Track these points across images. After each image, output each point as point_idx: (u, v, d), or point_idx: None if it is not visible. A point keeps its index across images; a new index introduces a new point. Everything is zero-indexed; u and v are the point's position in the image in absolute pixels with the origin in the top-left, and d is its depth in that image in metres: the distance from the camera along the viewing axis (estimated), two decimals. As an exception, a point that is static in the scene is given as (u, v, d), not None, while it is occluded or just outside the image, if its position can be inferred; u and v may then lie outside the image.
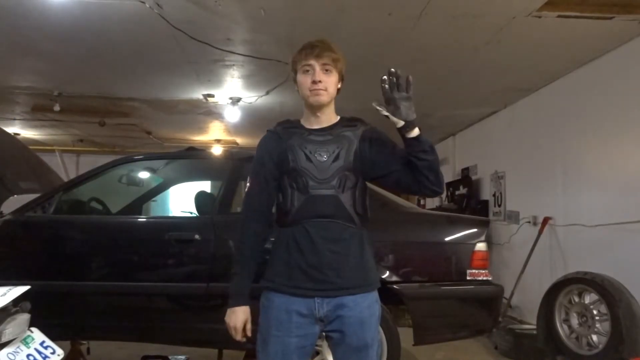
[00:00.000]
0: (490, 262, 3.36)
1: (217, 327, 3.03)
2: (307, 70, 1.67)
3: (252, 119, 6.49)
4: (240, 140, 8.37)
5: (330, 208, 1.63)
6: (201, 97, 5.71)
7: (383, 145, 1.71)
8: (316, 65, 1.66)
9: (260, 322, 1.69)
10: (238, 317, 1.67)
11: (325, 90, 1.67)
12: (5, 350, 1.49)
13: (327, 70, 1.67)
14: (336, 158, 1.66)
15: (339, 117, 1.77)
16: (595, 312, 3.58)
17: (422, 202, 9.21)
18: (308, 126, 1.73)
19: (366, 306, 1.65)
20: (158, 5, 3.38)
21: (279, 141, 1.72)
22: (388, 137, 1.74)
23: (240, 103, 5.83)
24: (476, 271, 3.11)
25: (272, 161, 1.72)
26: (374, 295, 1.70)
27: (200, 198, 3.51)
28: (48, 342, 1.62)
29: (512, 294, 5.14)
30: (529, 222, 5.31)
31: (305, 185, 1.64)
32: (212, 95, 5.65)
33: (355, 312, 1.62)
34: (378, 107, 1.57)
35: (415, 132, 1.58)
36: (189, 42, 3.98)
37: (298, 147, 1.68)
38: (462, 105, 6.02)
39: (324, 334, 1.70)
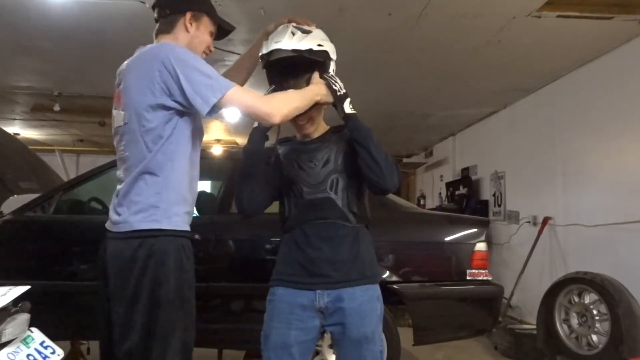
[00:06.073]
0: (490, 262, 3.36)
1: (217, 327, 3.09)
2: None
3: (252, 119, 6.47)
4: (240, 140, 8.37)
5: (324, 210, 1.71)
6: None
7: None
8: None
9: (264, 318, 1.73)
10: None
11: (310, 120, 1.75)
12: (5, 350, 1.49)
13: None
14: (326, 163, 1.74)
15: (328, 127, 1.84)
16: (595, 312, 3.58)
17: (422, 202, 9.23)
18: (301, 139, 1.83)
19: (366, 300, 1.68)
20: (158, 5, 3.38)
21: (276, 157, 1.84)
22: None
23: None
24: (476, 271, 3.12)
25: (270, 170, 1.82)
26: (375, 290, 1.72)
27: (200, 198, 3.49)
28: (48, 342, 1.62)
29: (512, 294, 5.14)
30: (529, 222, 5.31)
31: (300, 192, 1.73)
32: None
33: (355, 305, 1.65)
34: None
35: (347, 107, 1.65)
36: (189, 42, 3.98)
37: (291, 159, 1.78)
38: (462, 105, 6.02)
39: (324, 332, 1.73)
